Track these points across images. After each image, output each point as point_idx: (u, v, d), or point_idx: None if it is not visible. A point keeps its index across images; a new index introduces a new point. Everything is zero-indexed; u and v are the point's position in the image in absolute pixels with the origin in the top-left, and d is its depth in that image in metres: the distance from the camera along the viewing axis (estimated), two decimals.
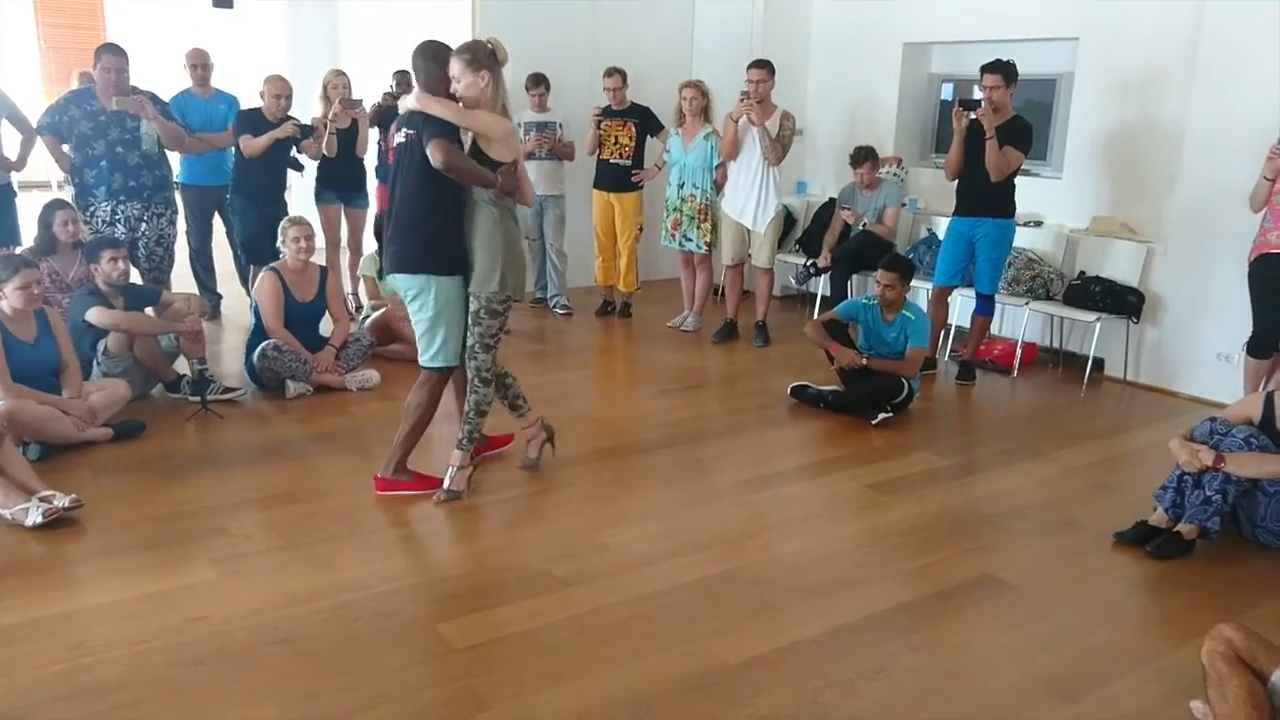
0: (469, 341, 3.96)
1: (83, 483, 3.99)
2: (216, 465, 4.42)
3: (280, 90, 6.12)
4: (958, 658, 3.02)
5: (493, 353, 3.98)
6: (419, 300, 3.87)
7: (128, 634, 2.97)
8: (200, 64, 6.72)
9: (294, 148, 6.31)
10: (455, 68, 3.71)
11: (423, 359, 3.96)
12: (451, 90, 3.74)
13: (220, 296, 6.98)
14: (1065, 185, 6.56)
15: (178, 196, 6.17)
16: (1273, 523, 3.70)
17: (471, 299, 3.90)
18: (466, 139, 3.79)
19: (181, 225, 6.66)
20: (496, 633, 3.06)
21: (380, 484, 4.05)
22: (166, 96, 5.72)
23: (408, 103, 3.81)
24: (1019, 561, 3.70)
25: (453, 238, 3.85)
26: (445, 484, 4.03)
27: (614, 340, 6.88)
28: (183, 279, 6.08)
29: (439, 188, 3.75)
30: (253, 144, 5.98)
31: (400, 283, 3.90)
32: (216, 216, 6.82)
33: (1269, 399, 3.83)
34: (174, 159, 6.30)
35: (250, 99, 6.56)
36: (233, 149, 6.26)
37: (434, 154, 3.61)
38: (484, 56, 3.72)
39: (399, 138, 3.83)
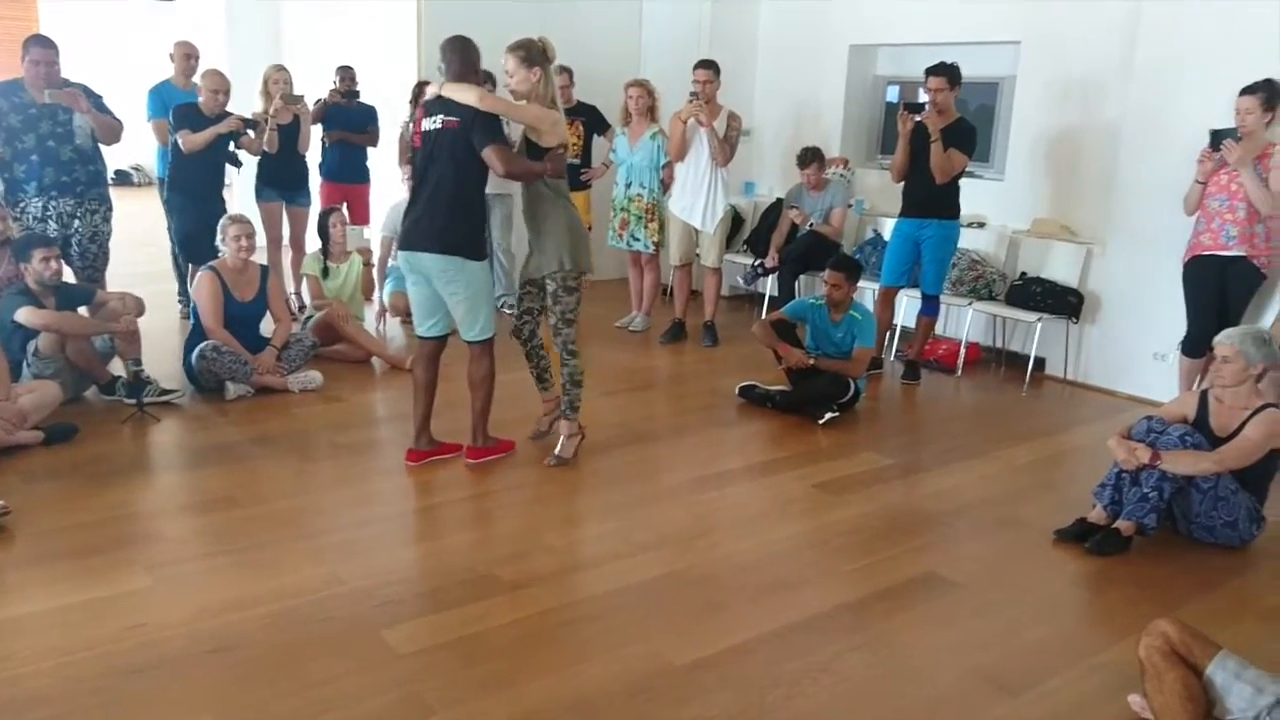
0: (552, 320, 4.32)
1: (12, 488, 3.86)
2: (153, 469, 4.33)
3: (217, 85, 5.99)
4: (902, 655, 3.05)
5: (574, 326, 4.34)
6: (448, 280, 4.09)
7: (60, 643, 2.88)
8: (193, 56, 6.67)
9: (232, 143, 6.18)
10: (510, 64, 4.04)
11: (469, 336, 4.22)
12: (505, 84, 4.10)
13: None
14: (1007, 187, 6.67)
15: (153, 190, 6.04)
16: (1206, 519, 3.79)
17: (548, 280, 4.25)
18: (511, 130, 4.14)
19: (142, 221, 6.54)
20: (442, 637, 3.02)
21: (472, 453, 4.40)
22: (101, 90, 5.56)
23: (444, 91, 3.98)
24: (962, 559, 3.75)
25: (482, 224, 4.24)
26: (557, 450, 4.44)
27: None
28: (118, 278, 5.92)
29: (474, 177, 4.05)
30: (192, 140, 5.84)
31: (428, 261, 4.08)
32: None
33: (1202, 397, 3.92)
34: (125, 154, 6.15)
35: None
36: (169, 145, 6.12)
37: (496, 164, 3.93)
38: (536, 54, 4.06)
39: (430, 124, 4.02)
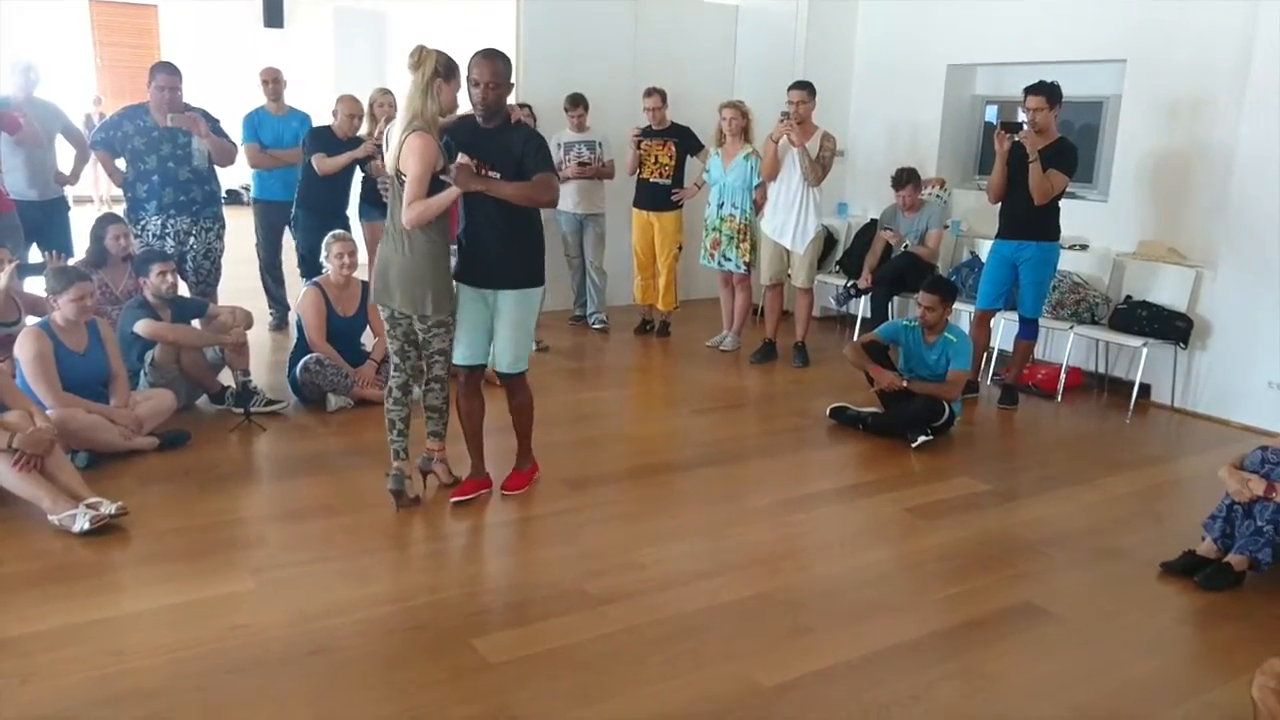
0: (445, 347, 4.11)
1: (129, 491, 4.05)
2: (258, 476, 4.49)
3: (353, 110, 6.24)
4: (996, 687, 2.97)
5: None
6: (524, 312, 4.01)
7: (168, 641, 3.01)
8: (272, 80, 6.92)
9: (359, 167, 6.39)
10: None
11: (517, 367, 4.08)
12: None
13: (288, 308, 7.03)
14: (1111, 208, 6.48)
15: (251, 210, 6.32)
16: None
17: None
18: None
19: (252, 239, 6.84)
20: (530, 649, 3.06)
21: (514, 481, 4.29)
22: (218, 113, 5.83)
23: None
24: (1061, 590, 3.63)
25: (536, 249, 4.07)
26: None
27: (652, 359, 6.88)
28: (229, 292, 6.17)
29: (529, 208, 3.94)
30: (328, 163, 6.06)
31: (512, 298, 3.97)
32: (286, 231, 6.92)
33: None
34: (236, 175, 6.42)
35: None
36: (301, 165, 6.33)
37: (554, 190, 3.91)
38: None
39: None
